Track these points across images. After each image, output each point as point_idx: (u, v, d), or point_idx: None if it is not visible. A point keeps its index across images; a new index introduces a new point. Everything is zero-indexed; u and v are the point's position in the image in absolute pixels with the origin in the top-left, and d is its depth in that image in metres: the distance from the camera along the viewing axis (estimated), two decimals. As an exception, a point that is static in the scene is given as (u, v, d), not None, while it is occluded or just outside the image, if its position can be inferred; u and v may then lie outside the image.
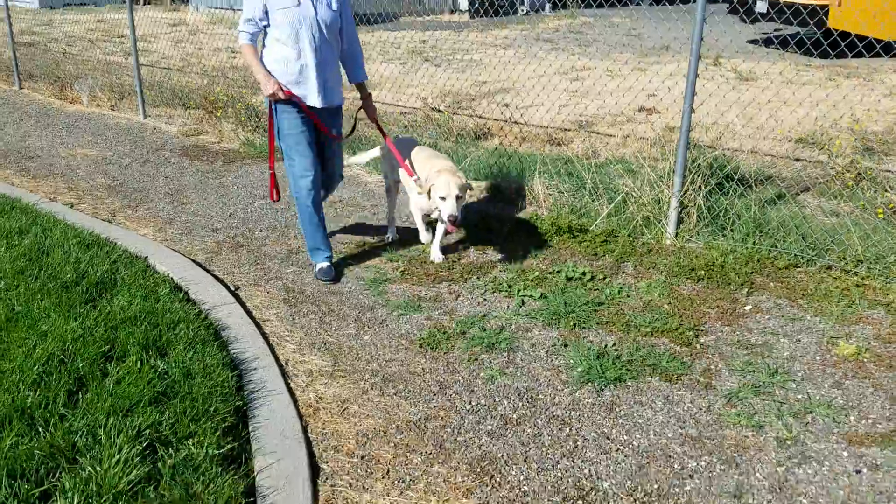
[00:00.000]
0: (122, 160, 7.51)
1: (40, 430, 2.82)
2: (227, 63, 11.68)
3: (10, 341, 3.47)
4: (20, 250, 4.57)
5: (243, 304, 4.36)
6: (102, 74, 11.00)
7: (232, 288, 4.59)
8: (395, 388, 3.50)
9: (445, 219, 4.35)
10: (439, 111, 8.41)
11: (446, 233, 4.73)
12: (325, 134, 4.53)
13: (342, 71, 4.63)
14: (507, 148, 7.09)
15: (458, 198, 4.33)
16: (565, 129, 8.16)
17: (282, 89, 4.23)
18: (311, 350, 3.87)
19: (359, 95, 4.78)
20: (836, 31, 9.07)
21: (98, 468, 2.60)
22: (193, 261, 4.97)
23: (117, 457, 2.66)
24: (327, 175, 4.80)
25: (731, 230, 4.97)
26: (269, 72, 4.29)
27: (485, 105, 9.23)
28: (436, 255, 4.93)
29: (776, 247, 4.77)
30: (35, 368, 3.20)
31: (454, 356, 3.77)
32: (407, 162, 4.78)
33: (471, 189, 4.60)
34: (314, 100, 4.36)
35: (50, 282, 4.12)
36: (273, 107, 4.40)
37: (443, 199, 4.34)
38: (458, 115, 8.56)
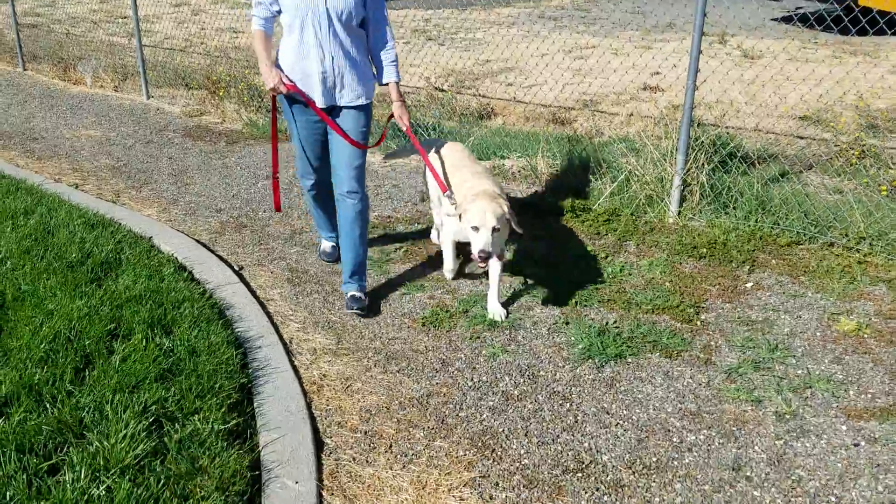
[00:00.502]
0: (126, 141, 7.52)
1: (48, 406, 2.87)
2: (229, 43, 11.64)
3: (17, 320, 3.51)
4: (26, 230, 4.61)
5: (247, 284, 4.39)
6: (106, 55, 10.97)
7: (236, 268, 4.62)
8: (398, 365, 3.53)
9: (475, 253, 3.58)
10: (443, 91, 8.39)
11: (492, 266, 3.90)
12: (340, 135, 3.87)
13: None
14: (510, 127, 7.07)
15: (494, 230, 3.55)
16: (569, 108, 8.13)
17: (283, 83, 3.78)
18: (315, 329, 3.90)
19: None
20: (859, 7, 8.93)
21: (105, 443, 2.65)
22: (198, 241, 5.00)
23: (124, 432, 2.71)
24: (337, 176, 4.02)
25: (734, 208, 4.97)
26: (276, 62, 3.89)
27: (488, 84, 9.20)
28: (494, 310, 3.92)
29: (778, 224, 4.77)
30: (42, 346, 3.24)
31: (456, 334, 3.80)
32: (441, 171, 4.16)
33: (514, 219, 3.69)
34: (318, 98, 3.84)
35: (56, 261, 4.16)
36: (281, 101, 4.04)
37: (475, 229, 3.59)
38: (461, 94, 8.54)
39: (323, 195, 4.33)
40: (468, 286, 4.30)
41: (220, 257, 4.75)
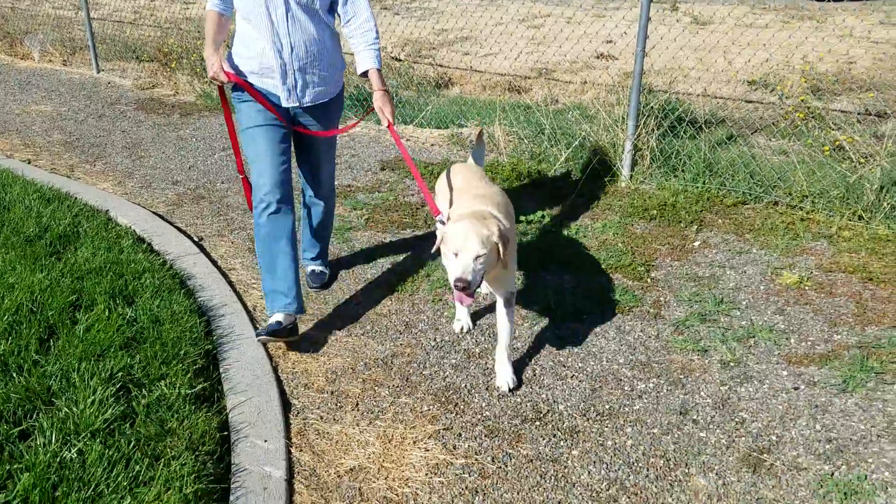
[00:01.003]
0: (78, 115, 7.40)
1: (14, 375, 2.89)
2: (180, 14, 11.43)
3: (-23, 294, 3.50)
4: (-21, 206, 4.55)
5: (208, 255, 4.41)
6: (53, 29, 10.70)
7: (195, 239, 4.64)
8: (363, 329, 3.62)
9: (451, 281, 2.82)
10: (399, 60, 8.39)
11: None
12: (303, 133, 3.46)
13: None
14: (467, 96, 7.14)
15: (477, 257, 2.77)
16: (525, 77, 8.22)
17: (223, 70, 3.19)
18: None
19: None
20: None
21: (74, 409, 2.69)
22: (155, 213, 4.99)
23: (92, 398, 2.75)
24: (314, 184, 3.69)
25: (683, 171, 5.13)
26: (229, 54, 3.38)
27: (445, 53, 9.22)
28: (504, 375, 3.13)
29: (725, 185, 4.95)
30: (5, 318, 3.25)
31: (419, 297, 3.89)
32: (438, 191, 3.57)
33: (503, 244, 2.87)
34: (282, 98, 3.31)
35: (13, 236, 4.13)
36: (234, 99, 3.40)
37: (455, 254, 2.82)
38: (418, 63, 8.55)
39: (284, 220, 3.37)
40: (429, 252, 4.39)
41: (179, 229, 4.75)
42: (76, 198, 4.95)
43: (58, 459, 2.43)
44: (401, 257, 4.34)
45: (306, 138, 3.51)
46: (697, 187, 4.97)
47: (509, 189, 5.28)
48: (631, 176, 5.21)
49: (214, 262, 4.31)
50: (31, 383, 2.83)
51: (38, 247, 4.02)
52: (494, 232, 2.83)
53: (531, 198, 5.13)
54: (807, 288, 3.80)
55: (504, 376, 3.10)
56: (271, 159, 3.29)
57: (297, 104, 3.34)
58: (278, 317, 3.38)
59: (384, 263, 4.27)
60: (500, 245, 2.84)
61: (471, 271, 2.75)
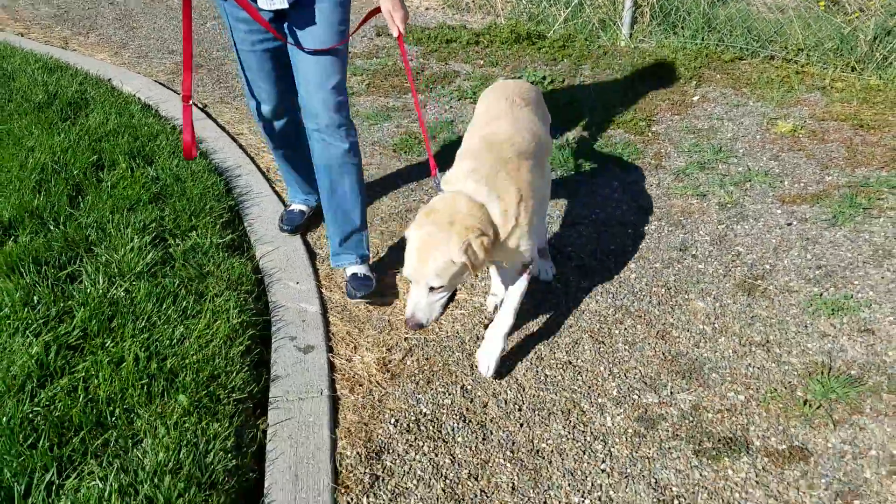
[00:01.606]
0: (61, -13, 7.18)
1: (51, 227, 3.04)
2: None
3: (1, 157, 3.59)
4: (-18, 76, 4.55)
5: (214, 120, 4.47)
6: None
7: (200, 105, 4.68)
8: (375, 188, 3.75)
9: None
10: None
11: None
12: (285, 43, 2.64)
13: None
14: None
15: (432, 289, 2.08)
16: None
17: None
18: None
19: None
20: None
21: (115, 254, 2.86)
22: (157, 81, 5.00)
23: (130, 245, 2.91)
24: (311, 109, 2.66)
25: (682, 28, 5.16)
26: None
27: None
28: (485, 360, 2.42)
29: (723, 41, 4.99)
30: (32, 177, 3.36)
31: (425, 158, 4.01)
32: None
33: (474, 263, 2.05)
34: None
35: (24, 103, 4.17)
36: None
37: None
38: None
39: (289, 138, 3.04)
40: (433, 114, 4.47)
41: (185, 96, 4.78)
42: (77, 67, 4.93)
43: (108, 297, 2.61)
44: (405, 121, 4.42)
45: (297, 51, 2.61)
46: (696, 44, 5.02)
47: (508, 53, 5.30)
48: (631, 35, 5.23)
49: (222, 128, 4.38)
50: (69, 233, 2.98)
51: (50, 113, 4.07)
52: (455, 254, 2.01)
53: (531, 60, 5.16)
54: (800, 136, 3.95)
55: (487, 360, 2.41)
56: (268, 87, 2.80)
57: (279, 4, 2.50)
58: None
59: (389, 126, 4.36)
60: (469, 263, 2.03)
61: (421, 307, 2.09)
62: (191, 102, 2.49)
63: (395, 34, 2.55)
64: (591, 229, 3.31)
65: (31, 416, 2.10)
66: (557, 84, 4.77)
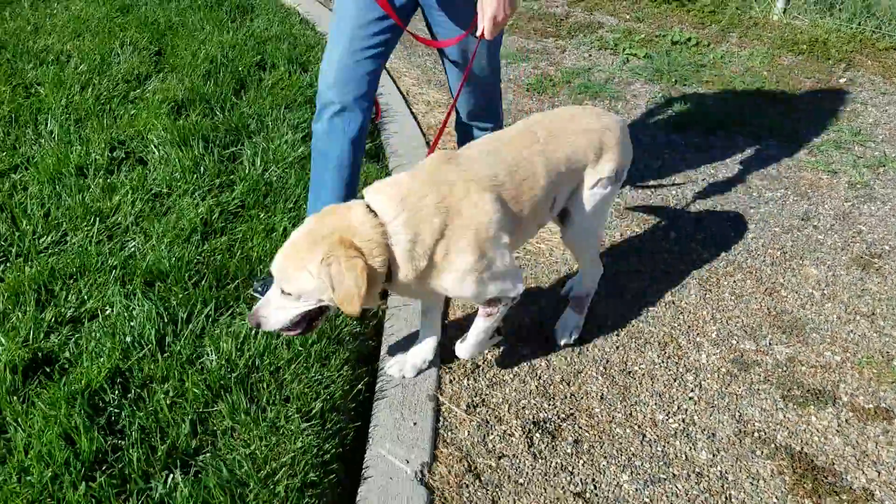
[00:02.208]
0: None
1: (217, 112, 3.38)
2: None
3: (175, 45, 3.97)
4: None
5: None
6: None
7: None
8: (505, 122, 3.91)
9: None
10: None
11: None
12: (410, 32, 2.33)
13: None
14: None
15: (284, 292, 1.82)
16: None
17: None
18: (428, 85, 4.28)
19: None
20: None
21: (270, 144, 3.16)
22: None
23: (284, 138, 3.21)
24: (462, 103, 2.53)
25: (840, 9, 4.99)
26: None
27: None
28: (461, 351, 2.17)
29: (880, 29, 4.81)
30: (202, 66, 3.71)
31: (559, 101, 4.13)
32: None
33: (335, 284, 1.73)
34: None
35: (197, 0, 4.55)
36: None
37: None
38: None
39: (335, 135, 2.32)
40: (571, 61, 4.56)
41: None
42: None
43: (264, 178, 2.92)
44: (542, 63, 4.54)
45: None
46: (852, 28, 4.86)
47: (655, 11, 5.29)
48: (784, 10, 5.11)
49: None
50: (232, 119, 3.31)
51: (220, 13, 4.44)
52: (312, 268, 1.74)
53: (678, 21, 5.14)
54: (949, 132, 3.83)
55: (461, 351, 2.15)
56: (348, 42, 2.23)
57: None
58: None
59: (525, 67, 4.49)
60: (330, 284, 1.73)
61: (268, 309, 1.84)
62: None
63: (478, 32, 2.14)
64: (713, 189, 3.36)
65: (196, 260, 2.42)
66: (702, 46, 4.74)
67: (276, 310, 1.83)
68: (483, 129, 2.61)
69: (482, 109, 2.57)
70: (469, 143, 2.13)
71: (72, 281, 2.29)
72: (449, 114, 2.38)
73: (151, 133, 3.12)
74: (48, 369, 1.96)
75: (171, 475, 1.70)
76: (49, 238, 2.46)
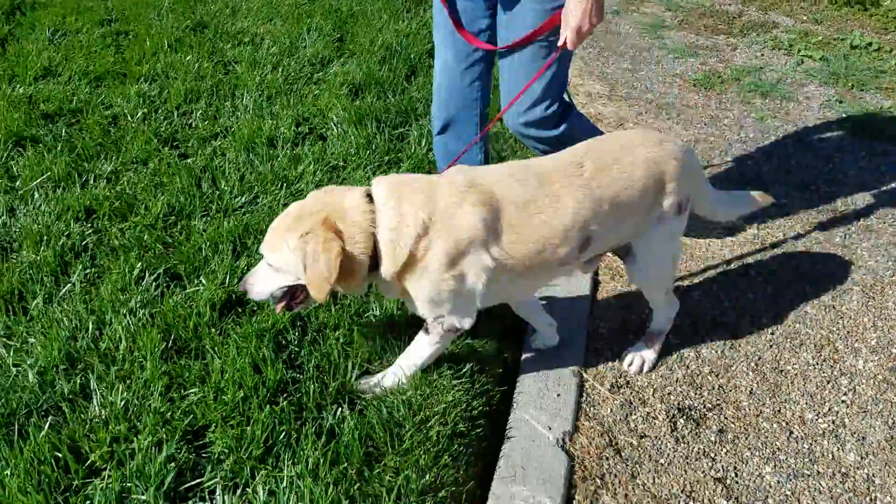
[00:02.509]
0: None
1: (389, 96, 3.61)
2: None
3: (355, 32, 4.26)
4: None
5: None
6: None
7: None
8: (669, 115, 3.90)
9: None
10: None
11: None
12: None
13: None
14: None
15: (272, 267, 1.87)
16: None
17: None
18: (590, 77, 4.32)
19: None
20: None
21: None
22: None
23: (450, 121, 3.38)
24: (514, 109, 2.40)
25: None
26: None
27: None
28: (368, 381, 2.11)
29: None
30: (378, 52, 3.97)
31: (727, 98, 4.05)
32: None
33: (307, 263, 1.75)
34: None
35: (376, -8, 4.86)
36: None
37: None
38: None
39: (449, 144, 2.60)
40: (742, 59, 4.45)
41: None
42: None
43: (427, 157, 3.11)
44: (711, 59, 4.46)
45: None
46: None
47: (835, 14, 5.02)
48: None
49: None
50: (403, 103, 3.53)
51: (396, 2, 4.71)
52: (291, 242, 1.76)
53: (859, 25, 4.88)
54: None
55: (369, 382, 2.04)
56: (443, 48, 2.45)
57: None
58: None
59: (693, 62, 4.43)
60: (302, 262, 1.74)
61: (255, 277, 1.89)
62: None
63: (560, 41, 2.15)
64: (887, 197, 3.19)
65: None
66: (884, 52, 4.47)
67: (261, 279, 1.86)
68: (540, 140, 2.50)
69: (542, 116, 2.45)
70: (508, 162, 2.03)
71: (262, 236, 2.57)
72: (493, 121, 2.42)
73: (331, 112, 3.39)
74: (240, 310, 2.23)
75: (340, 408, 1.91)
76: (243, 198, 2.77)
